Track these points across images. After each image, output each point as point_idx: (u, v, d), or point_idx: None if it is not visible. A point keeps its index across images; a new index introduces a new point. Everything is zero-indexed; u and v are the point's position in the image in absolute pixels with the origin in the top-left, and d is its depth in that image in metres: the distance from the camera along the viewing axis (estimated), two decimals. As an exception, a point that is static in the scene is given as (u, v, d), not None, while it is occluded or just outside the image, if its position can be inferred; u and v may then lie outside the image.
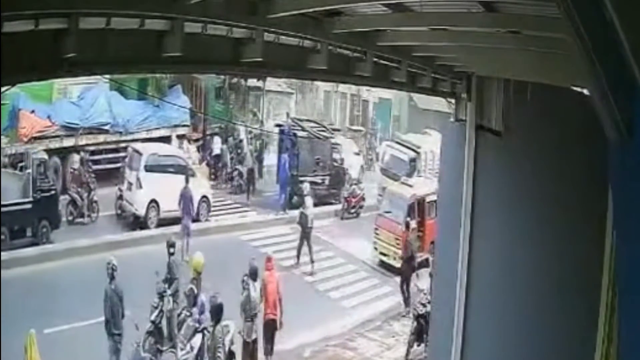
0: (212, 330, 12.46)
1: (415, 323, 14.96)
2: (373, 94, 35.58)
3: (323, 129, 26.74)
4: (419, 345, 14.85)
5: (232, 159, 26.80)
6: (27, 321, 11.59)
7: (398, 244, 19.81)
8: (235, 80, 29.54)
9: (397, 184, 22.38)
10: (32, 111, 21.34)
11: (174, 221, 19.66)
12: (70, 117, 22.50)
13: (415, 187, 21.58)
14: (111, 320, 12.55)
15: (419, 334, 14.79)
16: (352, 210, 24.44)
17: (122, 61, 6.74)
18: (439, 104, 22.34)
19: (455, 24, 7.84)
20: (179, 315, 13.25)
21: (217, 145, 27.14)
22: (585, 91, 6.70)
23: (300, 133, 25.18)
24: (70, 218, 20.36)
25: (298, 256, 19.56)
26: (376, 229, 21.01)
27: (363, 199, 24.82)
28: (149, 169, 20.91)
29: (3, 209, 17.12)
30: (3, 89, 6.04)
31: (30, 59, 5.63)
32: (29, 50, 5.52)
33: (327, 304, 17.59)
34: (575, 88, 8.64)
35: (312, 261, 19.40)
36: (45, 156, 19.78)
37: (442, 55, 10.71)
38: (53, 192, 19.22)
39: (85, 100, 23.29)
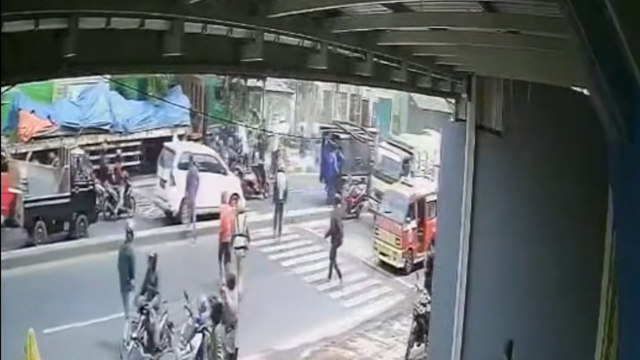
0: (212, 330, 12.47)
1: (415, 323, 14.95)
2: (373, 94, 35.57)
3: (362, 131, 27.95)
4: (419, 345, 14.84)
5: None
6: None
7: (398, 244, 19.80)
8: (235, 80, 29.52)
9: (398, 184, 22.35)
10: (32, 111, 21.32)
11: (207, 217, 20.20)
12: (70, 117, 22.48)
13: (415, 187, 21.56)
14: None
15: (419, 334, 14.79)
16: (352, 211, 24.43)
17: (122, 61, 6.75)
18: (439, 104, 22.40)
19: (455, 24, 7.85)
20: (163, 327, 13.02)
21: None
22: (585, 91, 6.70)
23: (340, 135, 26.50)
24: (107, 213, 20.79)
25: (331, 265, 19.17)
26: (376, 228, 21.01)
27: (363, 199, 24.80)
28: (183, 166, 21.16)
29: (42, 203, 18.13)
30: (3, 89, 6.05)
31: (30, 59, 5.64)
32: (29, 50, 5.52)
33: (327, 304, 17.59)
34: (575, 88, 8.65)
35: (339, 275, 18.98)
36: (82, 152, 20.34)
37: (442, 55, 10.71)
38: (90, 187, 19.71)
39: (85, 100, 23.28)
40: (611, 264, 6.06)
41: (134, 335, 12.57)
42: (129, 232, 14.41)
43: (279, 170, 23.67)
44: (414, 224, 20.44)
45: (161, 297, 13.26)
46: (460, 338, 12.26)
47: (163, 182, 21.60)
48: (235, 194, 20.73)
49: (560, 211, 8.92)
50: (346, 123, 29.20)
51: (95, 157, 22.25)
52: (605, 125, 4.23)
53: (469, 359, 12.25)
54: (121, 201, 21.05)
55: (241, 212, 17.82)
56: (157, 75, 24.43)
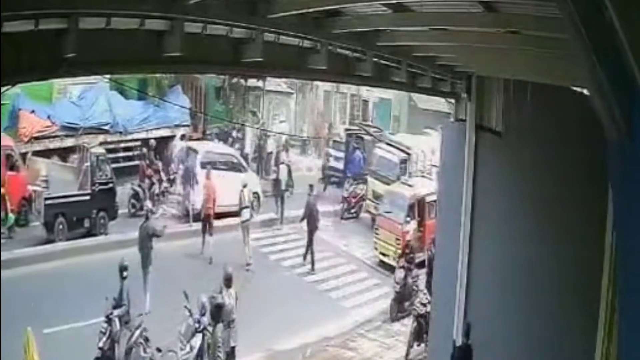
0: (212, 330, 12.47)
1: (415, 323, 14.95)
2: (373, 94, 35.53)
3: (381, 132, 28.51)
4: (419, 345, 14.84)
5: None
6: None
7: (398, 244, 19.77)
8: (235, 80, 29.51)
9: (398, 184, 22.31)
10: (32, 111, 21.29)
11: (228, 215, 20.58)
12: (70, 117, 22.45)
13: (415, 187, 21.51)
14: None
15: (419, 334, 14.79)
16: (352, 211, 24.41)
17: (122, 61, 6.75)
18: (439, 104, 22.39)
19: (455, 24, 7.84)
20: (129, 339, 12.47)
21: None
22: (585, 91, 6.70)
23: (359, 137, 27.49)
24: (132, 210, 21.05)
25: (307, 249, 19.89)
26: (376, 228, 20.97)
27: (363, 199, 24.77)
28: (205, 165, 21.41)
29: (63, 200, 18.52)
30: (3, 89, 6.04)
31: (30, 59, 5.64)
32: (29, 50, 5.52)
33: (327, 304, 17.58)
34: (575, 88, 8.65)
35: (312, 260, 19.65)
36: (103, 150, 20.66)
37: (442, 55, 10.71)
38: (111, 185, 20.02)
39: (85, 100, 23.24)
40: (611, 264, 6.06)
41: (100, 344, 12.13)
42: (149, 211, 16.44)
43: (281, 163, 24.24)
44: (414, 224, 20.38)
45: (138, 310, 12.86)
46: (460, 337, 12.26)
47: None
48: (255, 193, 21.83)
49: (560, 211, 8.92)
50: (368, 125, 30.15)
51: (120, 155, 22.98)
52: (605, 125, 4.24)
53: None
54: (147, 198, 21.22)
55: (244, 186, 19.29)
56: (157, 75, 24.40)
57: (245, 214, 19.28)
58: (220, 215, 20.23)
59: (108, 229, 19.54)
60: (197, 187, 21.08)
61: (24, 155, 20.34)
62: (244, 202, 19.38)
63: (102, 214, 19.48)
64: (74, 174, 19.94)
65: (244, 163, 23.81)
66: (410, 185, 21.72)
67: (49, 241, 18.19)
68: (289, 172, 24.22)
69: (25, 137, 21.00)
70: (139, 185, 21.58)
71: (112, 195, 20.08)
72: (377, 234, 20.82)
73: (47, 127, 21.62)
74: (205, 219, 19.31)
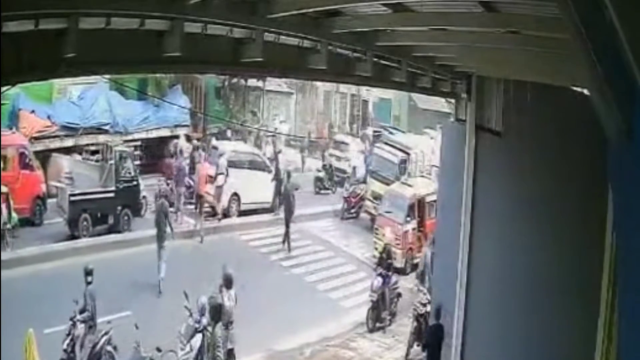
0: (212, 330, 12.45)
1: (415, 323, 14.94)
2: (373, 94, 35.56)
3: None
4: (418, 345, 14.83)
5: None
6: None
7: (398, 244, 19.73)
8: (235, 80, 29.52)
9: (398, 184, 22.27)
10: (32, 111, 21.32)
11: (253, 212, 21.85)
12: (70, 117, 22.48)
13: (415, 187, 21.51)
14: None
15: (419, 334, 14.77)
16: (352, 211, 24.41)
17: (122, 61, 6.75)
18: (439, 104, 22.40)
19: (455, 24, 7.84)
20: (94, 346, 12.13)
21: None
22: (585, 91, 6.70)
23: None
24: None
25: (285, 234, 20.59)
26: (376, 229, 20.95)
27: (363, 199, 24.77)
28: (230, 164, 22.02)
29: (88, 197, 19.03)
30: (3, 89, 6.05)
31: (30, 59, 5.64)
32: (29, 50, 5.52)
33: (327, 304, 17.58)
34: (575, 88, 8.64)
35: (288, 245, 20.51)
36: (127, 149, 21.28)
37: (442, 55, 10.71)
38: (135, 182, 20.45)
39: (85, 100, 23.26)
40: (611, 264, 6.06)
41: (64, 346, 11.98)
42: (162, 194, 18.49)
43: (279, 152, 25.18)
44: (413, 224, 20.38)
45: (100, 315, 12.46)
46: (460, 338, 12.27)
47: (211, 179, 22.30)
48: (280, 191, 22.51)
49: (560, 211, 8.92)
50: (392, 127, 31.59)
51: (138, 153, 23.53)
52: (605, 125, 4.23)
53: (469, 359, 12.26)
54: (174, 195, 21.73)
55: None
56: (157, 75, 24.40)
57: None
58: (246, 212, 21.43)
59: (132, 226, 20.00)
60: (224, 184, 21.77)
61: (44, 153, 21.05)
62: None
63: (126, 210, 19.89)
64: (97, 172, 20.41)
65: (268, 162, 24.34)
66: (410, 186, 21.71)
67: (72, 237, 18.57)
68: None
69: (25, 137, 21.01)
70: (167, 183, 22.08)
71: (136, 192, 20.51)
72: (376, 234, 20.79)
73: (47, 127, 21.64)
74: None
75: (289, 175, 22.00)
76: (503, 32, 7.68)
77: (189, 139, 26.08)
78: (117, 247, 18.47)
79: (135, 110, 24.60)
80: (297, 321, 15.76)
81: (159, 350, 11.91)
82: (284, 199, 20.95)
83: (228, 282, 13.16)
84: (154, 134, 25.20)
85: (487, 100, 12.01)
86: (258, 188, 21.70)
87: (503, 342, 10.59)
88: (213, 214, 21.78)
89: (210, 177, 21.90)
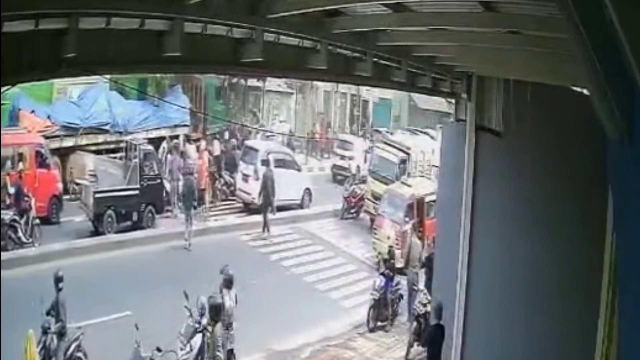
0: (212, 330, 12.43)
1: (415, 323, 14.93)
2: (373, 94, 35.57)
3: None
4: (419, 345, 14.82)
5: None
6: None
7: (397, 244, 19.59)
8: (235, 80, 29.51)
9: (397, 184, 22.21)
10: (32, 111, 21.30)
11: (285, 208, 22.78)
12: (70, 117, 22.46)
13: (414, 187, 21.43)
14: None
15: (419, 334, 14.77)
16: (352, 211, 24.40)
17: (122, 61, 6.74)
18: (439, 104, 22.42)
19: (455, 24, 7.84)
20: (65, 352, 11.79)
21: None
22: (585, 91, 6.70)
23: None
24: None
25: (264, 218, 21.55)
26: (375, 229, 20.88)
27: (363, 199, 24.77)
28: (265, 163, 22.95)
29: (112, 194, 19.48)
30: (3, 89, 6.04)
31: (30, 59, 5.63)
32: (29, 50, 5.52)
33: (327, 304, 17.58)
34: (575, 88, 8.65)
35: (267, 229, 21.48)
36: (151, 147, 21.58)
37: (442, 55, 10.71)
38: (159, 180, 20.92)
39: (85, 100, 23.24)
40: (611, 264, 6.06)
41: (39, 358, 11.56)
42: (189, 173, 20.30)
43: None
44: (411, 224, 19.99)
45: (73, 322, 12.05)
46: (460, 338, 12.27)
47: (246, 177, 23.47)
48: (308, 188, 24.11)
49: (560, 211, 8.92)
50: (408, 128, 32.16)
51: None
52: (605, 125, 4.24)
53: (468, 358, 12.26)
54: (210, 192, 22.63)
55: None
56: (157, 75, 24.40)
57: None
58: (279, 208, 22.21)
59: (156, 223, 20.52)
60: (257, 183, 22.60)
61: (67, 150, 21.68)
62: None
63: (150, 208, 20.34)
64: (121, 170, 20.87)
65: (298, 162, 25.58)
66: (409, 185, 21.61)
67: (96, 233, 18.99)
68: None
69: (25, 137, 21.01)
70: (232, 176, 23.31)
71: (159, 190, 20.94)
72: (375, 234, 20.71)
73: (47, 127, 21.62)
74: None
75: (268, 164, 22.76)
76: (503, 32, 7.68)
77: (188, 139, 26.11)
78: (139, 243, 19.18)
79: (135, 110, 24.57)
80: (297, 321, 15.76)
81: (159, 350, 11.89)
82: (263, 187, 21.70)
83: (228, 283, 13.14)
84: (154, 134, 25.17)
85: (487, 100, 12.00)
86: (289, 185, 22.79)
87: (503, 342, 10.59)
88: (247, 210, 22.96)
89: (246, 175, 23.14)
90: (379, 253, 19.95)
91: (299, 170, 24.97)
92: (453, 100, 13.42)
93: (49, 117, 21.70)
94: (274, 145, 26.51)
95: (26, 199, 17.71)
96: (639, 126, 3.89)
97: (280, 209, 22.50)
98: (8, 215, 17.07)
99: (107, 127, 23.48)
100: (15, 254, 16.39)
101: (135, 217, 19.96)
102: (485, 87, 12.10)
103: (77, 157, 21.74)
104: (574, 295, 8.13)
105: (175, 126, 25.98)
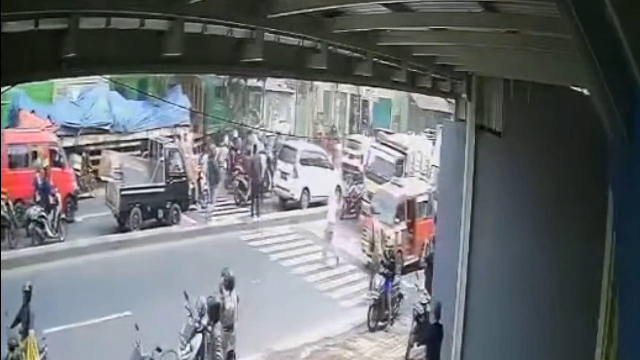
0: (211, 330, 12.44)
1: (415, 323, 14.93)
2: (373, 94, 35.52)
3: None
4: (419, 345, 14.83)
5: None
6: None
7: (385, 247, 18.64)
8: (235, 80, 29.49)
9: (388, 184, 21.82)
10: (32, 111, 21.31)
11: (319, 204, 24.16)
12: (70, 117, 22.50)
13: (405, 188, 21.01)
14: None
15: (419, 334, 14.77)
16: (352, 211, 24.37)
17: (122, 61, 6.74)
18: (439, 104, 22.39)
19: (455, 24, 7.84)
20: None
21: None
22: (585, 91, 6.70)
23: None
24: (238, 200, 23.98)
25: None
26: (364, 230, 20.43)
27: (362, 199, 24.73)
28: (302, 162, 24.69)
29: (139, 191, 20.16)
30: (3, 89, 6.04)
31: (30, 59, 5.63)
32: (29, 50, 5.52)
33: (327, 304, 17.58)
34: (575, 88, 8.65)
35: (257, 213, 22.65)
36: (176, 146, 22.35)
37: (442, 55, 10.71)
38: (184, 179, 21.56)
39: (85, 100, 23.27)
40: (611, 264, 6.06)
41: None
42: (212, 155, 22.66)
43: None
44: (403, 225, 19.81)
45: (39, 334, 11.87)
46: (460, 338, 12.27)
47: (285, 174, 24.64)
48: (339, 185, 25.04)
49: (560, 211, 8.92)
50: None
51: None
52: (605, 125, 4.23)
53: (469, 358, 12.26)
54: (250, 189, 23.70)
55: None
56: (157, 75, 24.40)
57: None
58: (315, 204, 24.13)
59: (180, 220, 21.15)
60: (296, 180, 24.29)
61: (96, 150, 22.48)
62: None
63: (175, 205, 20.93)
64: (148, 168, 21.48)
65: (331, 161, 26.81)
66: (399, 186, 21.18)
67: (123, 230, 19.70)
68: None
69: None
70: (246, 178, 23.97)
71: (185, 188, 21.54)
72: (364, 235, 20.29)
73: (48, 127, 21.61)
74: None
75: (254, 150, 24.68)
76: (503, 32, 7.68)
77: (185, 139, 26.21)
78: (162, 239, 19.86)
79: (135, 110, 24.59)
80: (297, 321, 15.76)
81: (159, 350, 11.90)
82: (251, 175, 23.08)
83: (229, 284, 13.10)
84: (155, 134, 25.15)
85: (487, 100, 12.00)
86: (323, 183, 24.27)
87: (503, 342, 10.59)
88: (284, 205, 24.44)
89: (284, 173, 24.44)
90: (369, 255, 19.76)
91: (331, 168, 26.26)
92: (453, 100, 13.42)
93: (49, 117, 21.70)
94: (310, 145, 28.14)
95: (53, 195, 18.23)
96: (639, 126, 3.88)
97: (316, 204, 24.13)
98: (36, 211, 17.77)
99: (107, 127, 23.50)
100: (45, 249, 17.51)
101: (160, 214, 20.57)
102: (485, 87, 12.10)
103: (105, 154, 22.48)
104: (574, 295, 8.13)
105: (175, 126, 25.96)
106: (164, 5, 6.33)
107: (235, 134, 27.72)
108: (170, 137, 24.33)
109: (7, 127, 20.44)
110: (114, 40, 6.20)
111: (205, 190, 22.78)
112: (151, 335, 11.70)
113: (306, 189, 24.66)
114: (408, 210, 20.20)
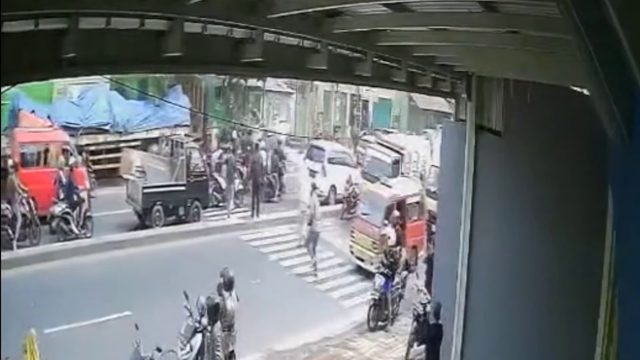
0: (211, 330, 12.43)
1: (415, 323, 14.93)
2: (373, 94, 35.55)
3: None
4: (419, 345, 14.82)
5: None
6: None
7: (375, 248, 18.77)
8: (235, 80, 29.50)
9: (377, 185, 21.49)
10: (32, 111, 21.27)
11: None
12: (70, 117, 22.51)
13: (395, 188, 20.57)
14: None
15: (419, 334, 14.76)
16: (352, 210, 24.34)
17: (122, 61, 6.74)
18: (439, 104, 22.41)
19: (455, 24, 7.84)
20: None
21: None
22: (585, 91, 6.70)
23: None
24: (266, 198, 24.32)
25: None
26: (352, 231, 20.09)
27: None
28: (330, 161, 25.82)
29: (162, 189, 20.71)
30: (3, 89, 6.04)
31: (30, 59, 5.63)
32: (29, 50, 5.52)
33: (327, 304, 17.58)
34: (575, 88, 8.65)
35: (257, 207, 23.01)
36: (197, 145, 23.04)
37: (442, 55, 10.71)
38: (204, 177, 22.03)
39: (85, 100, 23.27)
40: (611, 264, 6.06)
41: None
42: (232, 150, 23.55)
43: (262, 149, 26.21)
44: (390, 227, 19.02)
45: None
46: (460, 338, 12.27)
47: (313, 173, 24.87)
48: (356, 183, 25.09)
49: (560, 211, 8.92)
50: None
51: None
52: (605, 125, 4.23)
53: (469, 358, 12.26)
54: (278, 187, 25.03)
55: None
56: (157, 75, 24.41)
57: None
58: (339, 201, 24.95)
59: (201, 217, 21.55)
60: (325, 178, 24.75)
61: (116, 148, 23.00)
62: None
63: (196, 203, 21.35)
64: (167, 166, 21.96)
65: (355, 160, 27.78)
66: (389, 186, 20.76)
67: (144, 227, 20.12)
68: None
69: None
70: (273, 177, 24.86)
71: (205, 186, 22.00)
72: (352, 236, 19.95)
73: (48, 127, 21.61)
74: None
75: (257, 147, 25.43)
76: (503, 32, 7.68)
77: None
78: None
79: (135, 110, 24.59)
80: (297, 321, 15.76)
81: (159, 350, 11.88)
82: (252, 174, 23.43)
83: (229, 284, 13.05)
84: (155, 134, 25.17)
85: (487, 100, 12.00)
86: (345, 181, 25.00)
87: (503, 341, 10.59)
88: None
89: (313, 171, 24.92)
90: (357, 257, 19.60)
91: (355, 167, 26.79)
92: (453, 100, 13.42)
93: (49, 117, 21.70)
94: (336, 145, 29.21)
95: (77, 192, 18.48)
96: (639, 126, 3.89)
97: (340, 201, 25.06)
98: (60, 207, 18.08)
99: (107, 127, 23.50)
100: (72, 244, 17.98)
101: (181, 211, 20.97)
102: (485, 87, 12.10)
103: (126, 153, 22.93)
104: (574, 295, 8.12)
105: (176, 126, 25.98)
106: (164, 5, 6.33)
107: (234, 134, 27.80)
108: (193, 137, 25.02)
109: (6, 128, 20.45)
110: (113, 40, 6.20)
111: (223, 188, 23.07)
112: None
113: (333, 186, 25.55)
114: (398, 211, 19.63)
